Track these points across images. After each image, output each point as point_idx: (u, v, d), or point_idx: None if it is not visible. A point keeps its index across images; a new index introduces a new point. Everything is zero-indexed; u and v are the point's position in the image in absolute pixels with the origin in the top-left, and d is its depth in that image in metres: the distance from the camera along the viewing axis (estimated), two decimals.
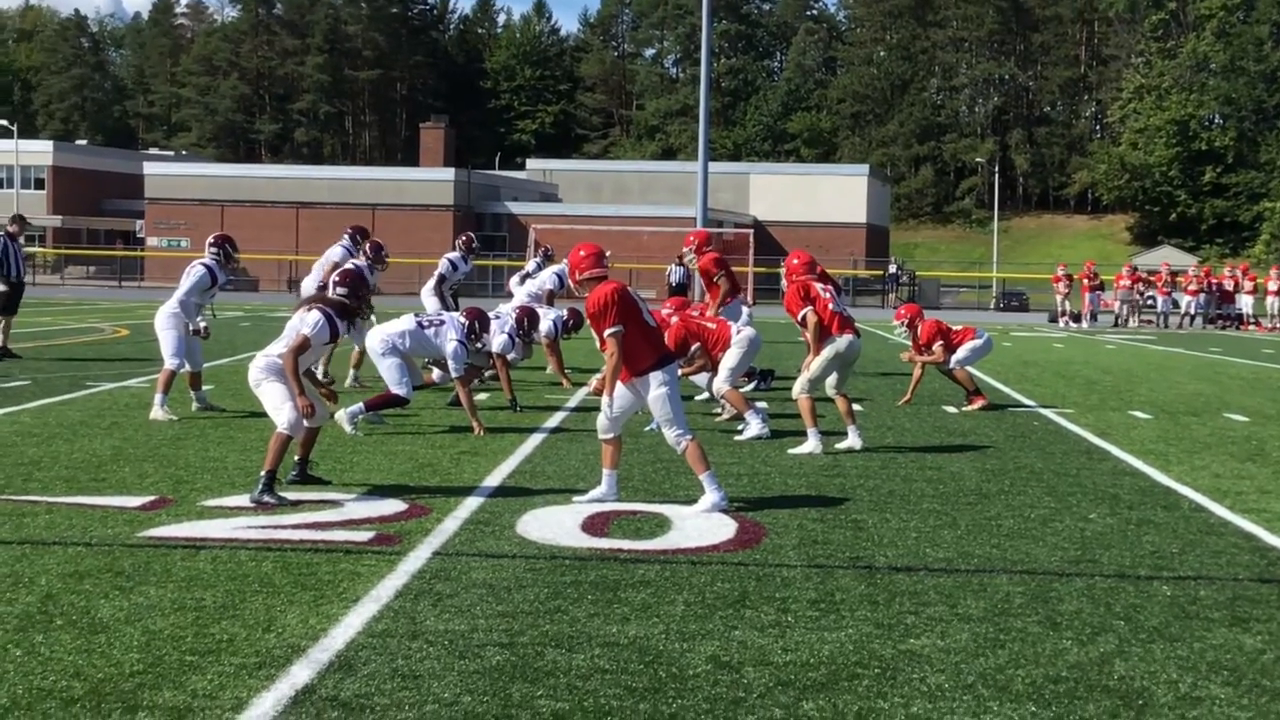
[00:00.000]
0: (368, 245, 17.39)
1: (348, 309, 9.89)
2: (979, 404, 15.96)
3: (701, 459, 9.29)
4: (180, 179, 75.92)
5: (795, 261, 12.90)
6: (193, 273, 14.07)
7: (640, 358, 9.27)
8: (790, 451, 12.04)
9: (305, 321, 9.54)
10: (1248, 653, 6.17)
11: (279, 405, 9.32)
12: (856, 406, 13.34)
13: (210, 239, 14.67)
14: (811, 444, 12.07)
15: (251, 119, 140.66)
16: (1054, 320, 46.23)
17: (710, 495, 9.24)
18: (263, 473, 9.17)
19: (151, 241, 73.89)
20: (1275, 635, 6.46)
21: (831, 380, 12.57)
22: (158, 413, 13.31)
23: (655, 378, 9.26)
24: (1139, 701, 5.44)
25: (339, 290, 9.93)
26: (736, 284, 16.64)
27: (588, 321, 9.70)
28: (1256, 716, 5.31)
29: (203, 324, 14.13)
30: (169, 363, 13.69)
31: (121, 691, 5.26)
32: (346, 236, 17.66)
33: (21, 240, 22.11)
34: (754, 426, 12.95)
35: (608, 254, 9.90)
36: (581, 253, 9.59)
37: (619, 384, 9.32)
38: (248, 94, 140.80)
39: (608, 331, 9.18)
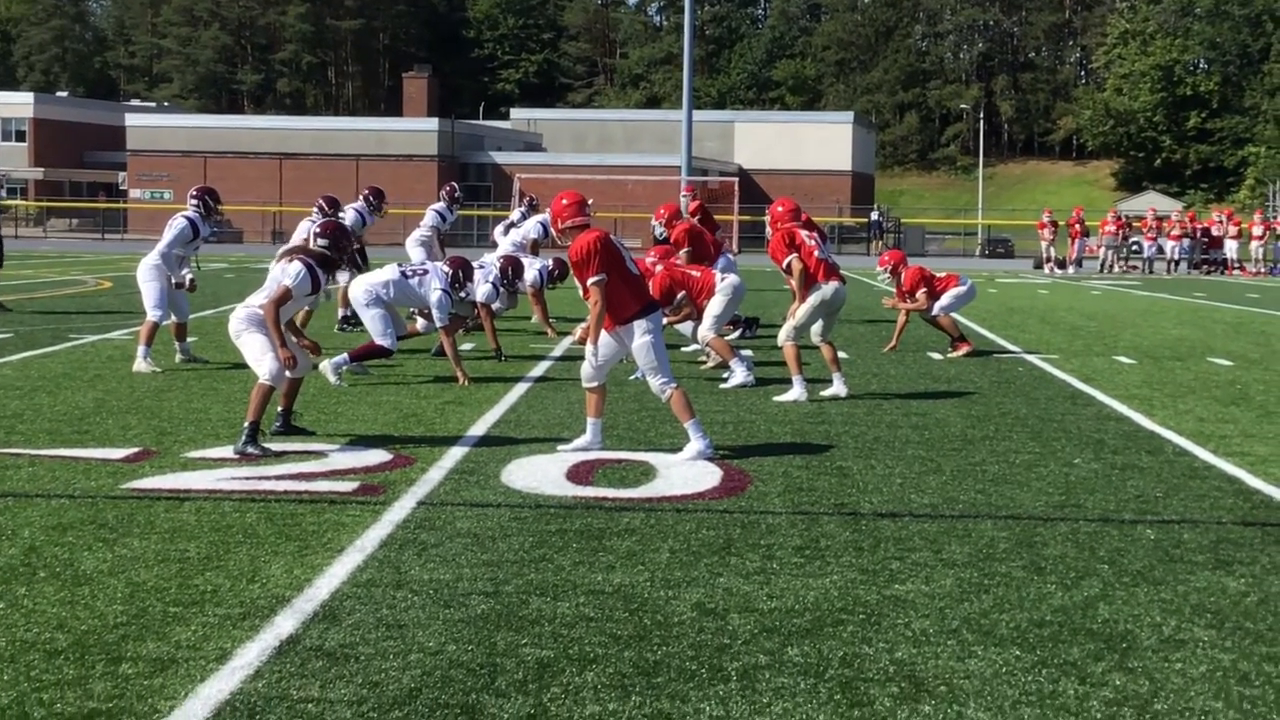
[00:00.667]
0: (369, 193, 17.89)
1: (329, 260, 9.83)
2: (963, 350, 15.96)
3: (686, 407, 9.27)
4: (162, 130, 75.48)
5: (780, 209, 12.83)
6: (174, 225, 13.99)
7: (624, 306, 9.24)
8: (775, 399, 12.03)
9: (287, 272, 9.50)
10: (1231, 595, 6.19)
11: (260, 356, 9.28)
12: (841, 354, 13.34)
13: (191, 191, 14.58)
14: (796, 391, 12.06)
15: (233, 70, 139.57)
16: (1039, 266, 46.22)
17: (695, 443, 9.23)
18: (246, 424, 9.14)
19: (134, 194, 73.52)
20: (1258, 578, 6.48)
21: (817, 328, 12.55)
22: (141, 365, 13.26)
23: (639, 326, 9.23)
24: (1123, 644, 5.46)
25: (320, 241, 9.87)
26: (704, 254, 16.20)
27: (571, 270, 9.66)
28: (1240, 658, 5.33)
29: (188, 276, 14.07)
30: (151, 314, 13.63)
31: (105, 643, 5.25)
32: (361, 199, 17.99)
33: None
34: (739, 374, 12.94)
35: (589, 202, 9.84)
36: (564, 201, 9.53)
37: (603, 332, 9.29)
38: (229, 44, 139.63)
39: (591, 280, 9.14)
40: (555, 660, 5.14)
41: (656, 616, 5.70)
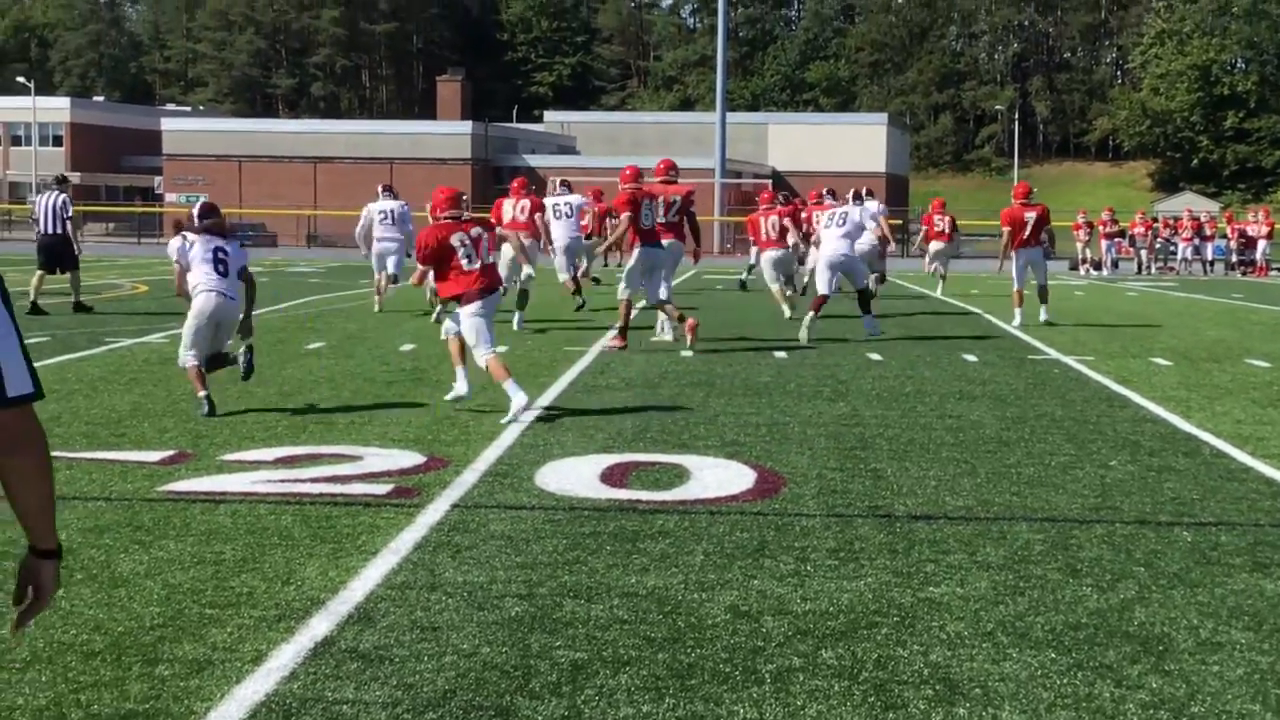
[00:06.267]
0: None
1: None
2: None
3: (501, 368, 10.80)
4: (198, 135, 75.85)
5: (628, 173, 15.64)
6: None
7: (452, 289, 10.97)
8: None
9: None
10: (1268, 597, 6.15)
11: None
12: (874, 355, 13.27)
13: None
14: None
15: (268, 73, 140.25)
16: (1074, 268, 45.99)
17: (515, 399, 10.60)
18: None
19: (170, 198, 73.81)
20: None
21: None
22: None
23: (469, 309, 10.86)
24: (1159, 647, 5.43)
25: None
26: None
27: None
28: (1278, 660, 5.29)
29: None
30: None
31: (141, 644, 5.28)
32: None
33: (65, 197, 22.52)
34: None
35: (463, 198, 11.54)
36: (441, 195, 11.31)
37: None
38: (264, 48, 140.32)
39: (420, 267, 11.20)
40: (589, 662, 5.14)
41: (690, 619, 5.69)
